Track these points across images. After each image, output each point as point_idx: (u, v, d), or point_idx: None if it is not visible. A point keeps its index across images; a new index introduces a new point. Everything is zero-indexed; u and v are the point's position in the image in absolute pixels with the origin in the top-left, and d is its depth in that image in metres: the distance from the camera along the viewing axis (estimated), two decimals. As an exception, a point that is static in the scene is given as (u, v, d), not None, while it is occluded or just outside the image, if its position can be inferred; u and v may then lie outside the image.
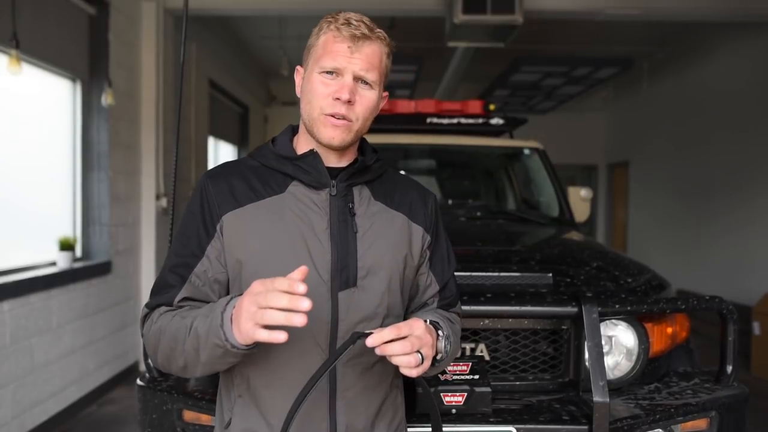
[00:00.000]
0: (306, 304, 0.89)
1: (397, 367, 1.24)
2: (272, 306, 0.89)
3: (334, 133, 1.13)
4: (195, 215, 1.17)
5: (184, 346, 1.05)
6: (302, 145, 1.21)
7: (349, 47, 1.11)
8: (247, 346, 0.97)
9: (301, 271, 0.93)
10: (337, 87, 1.11)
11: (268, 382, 1.14)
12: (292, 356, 1.12)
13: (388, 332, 0.99)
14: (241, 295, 0.99)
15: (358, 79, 1.13)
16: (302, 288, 0.89)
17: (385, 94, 1.24)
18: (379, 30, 1.15)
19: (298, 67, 1.22)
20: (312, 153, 1.17)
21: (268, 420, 1.14)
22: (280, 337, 0.90)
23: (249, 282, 1.09)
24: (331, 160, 1.19)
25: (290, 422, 0.99)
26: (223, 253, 1.15)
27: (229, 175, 1.19)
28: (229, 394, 1.20)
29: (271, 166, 1.19)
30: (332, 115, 1.12)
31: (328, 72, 1.12)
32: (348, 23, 1.12)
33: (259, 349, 1.10)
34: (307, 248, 1.13)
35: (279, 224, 1.14)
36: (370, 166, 1.22)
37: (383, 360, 1.16)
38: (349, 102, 1.11)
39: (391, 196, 1.24)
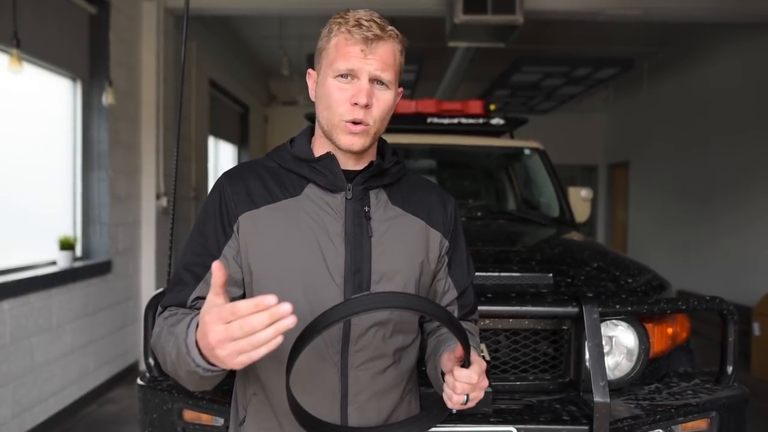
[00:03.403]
0: (287, 307, 0.81)
1: (411, 374, 1.25)
2: (258, 329, 0.81)
3: (353, 140, 1.13)
4: (213, 215, 1.17)
5: (169, 368, 1.03)
6: (319, 147, 1.20)
7: (362, 50, 1.09)
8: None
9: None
10: (354, 91, 1.10)
11: (281, 382, 1.12)
12: (303, 358, 1.11)
13: (470, 396, 1.01)
14: (197, 316, 0.94)
15: (373, 80, 1.11)
16: (272, 299, 0.82)
17: (400, 90, 1.22)
18: (390, 27, 1.13)
19: (310, 71, 1.21)
20: (329, 156, 1.16)
21: (280, 419, 1.15)
22: (277, 341, 0.83)
23: (262, 283, 1.12)
24: (349, 163, 1.18)
25: (290, 370, 0.95)
26: (240, 253, 1.15)
27: (246, 176, 1.19)
28: (245, 392, 1.21)
29: (288, 168, 1.19)
30: (351, 122, 1.11)
31: (343, 75, 1.11)
32: (359, 25, 1.09)
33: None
34: (320, 251, 1.12)
35: (293, 227, 1.13)
36: (388, 170, 1.20)
37: (396, 364, 1.19)
38: (367, 106, 1.10)
39: (409, 200, 1.22)
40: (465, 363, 1.01)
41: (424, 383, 1.37)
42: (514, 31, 4.97)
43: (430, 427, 1.09)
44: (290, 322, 0.82)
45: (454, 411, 1.08)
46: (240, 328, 0.82)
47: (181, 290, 1.15)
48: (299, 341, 0.92)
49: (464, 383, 1.00)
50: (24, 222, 3.61)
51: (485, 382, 1.02)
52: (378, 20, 1.12)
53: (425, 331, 1.31)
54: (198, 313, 0.96)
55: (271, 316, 0.81)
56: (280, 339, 0.83)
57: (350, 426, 1.14)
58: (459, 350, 1.01)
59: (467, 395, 1.01)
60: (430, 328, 1.30)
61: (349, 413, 1.14)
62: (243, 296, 1.19)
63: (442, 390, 1.07)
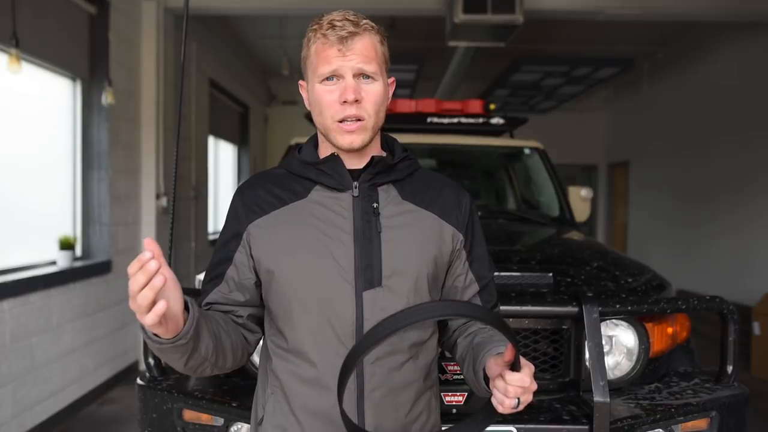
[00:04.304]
0: (152, 265, 0.86)
1: (429, 371, 1.25)
2: (138, 288, 0.87)
3: (351, 138, 1.14)
4: (227, 227, 1.23)
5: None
6: (324, 151, 1.22)
7: (339, 49, 1.11)
8: (171, 338, 0.96)
9: (145, 243, 0.90)
10: (341, 90, 1.12)
11: (298, 380, 1.16)
12: (318, 355, 1.14)
13: (522, 398, 1.00)
14: None
15: (358, 75, 1.12)
16: (147, 255, 0.87)
17: (392, 80, 1.23)
18: (365, 21, 1.14)
19: (301, 82, 1.23)
20: (333, 156, 1.18)
21: (298, 417, 1.16)
22: (159, 307, 0.88)
23: (282, 287, 1.15)
24: (353, 163, 1.19)
25: (342, 393, 0.94)
26: (251, 261, 1.19)
27: (256, 187, 1.24)
28: (264, 391, 1.23)
29: (296, 173, 1.22)
30: (345, 120, 1.13)
31: (327, 78, 1.13)
32: (332, 26, 1.11)
33: (287, 347, 1.16)
34: (329, 249, 1.14)
35: (302, 227, 1.16)
36: (396, 166, 1.21)
37: (413, 360, 1.19)
38: (357, 101, 1.12)
39: (421, 195, 1.23)
40: (515, 366, 1.01)
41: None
42: (513, 30, 4.97)
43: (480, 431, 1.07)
44: (158, 282, 0.86)
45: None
46: (132, 283, 0.87)
47: (201, 298, 1.21)
48: (348, 362, 0.92)
49: (517, 386, 0.99)
50: (24, 222, 3.61)
51: (535, 385, 1.01)
52: (351, 17, 1.13)
53: (450, 329, 1.30)
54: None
55: (144, 273, 0.86)
56: (162, 304, 0.88)
57: None
58: (509, 354, 0.99)
59: (518, 398, 1.00)
60: (456, 326, 1.29)
61: (365, 409, 1.14)
62: (260, 300, 1.23)
63: (484, 393, 1.08)
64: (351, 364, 0.92)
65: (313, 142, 1.27)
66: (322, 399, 1.14)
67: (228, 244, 1.21)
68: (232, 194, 1.28)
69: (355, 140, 1.14)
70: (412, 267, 1.16)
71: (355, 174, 1.18)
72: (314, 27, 1.15)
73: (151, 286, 0.87)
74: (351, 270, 1.14)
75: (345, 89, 1.11)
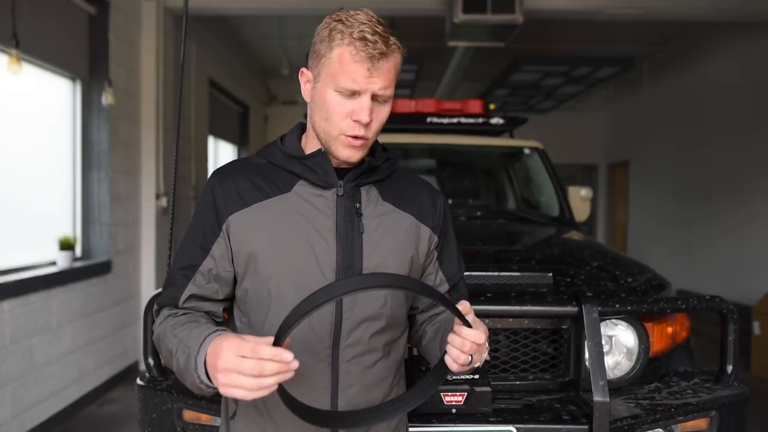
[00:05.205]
0: (295, 364, 0.90)
1: (399, 366, 1.26)
2: (264, 375, 0.89)
3: (351, 152, 1.13)
4: (203, 214, 1.19)
5: (173, 368, 1.08)
6: (311, 145, 1.20)
7: (368, 69, 1.06)
8: None
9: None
10: (356, 107, 1.09)
11: None
12: (294, 352, 1.12)
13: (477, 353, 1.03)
14: (214, 333, 1.00)
15: (375, 96, 1.10)
16: (288, 356, 0.90)
17: None
18: (393, 39, 1.10)
19: (304, 70, 1.18)
20: (320, 153, 1.16)
21: (272, 413, 1.16)
22: (272, 389, 0.91)
23: (262, 281, 1.14)
24: (341, 163, 1.18)
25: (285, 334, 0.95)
26: (229, 253, 1.16)
27: (236, 174, 1.19)
28: None
29: (279, 164, 1.19)
30: (352, 136, 1.11)
31: (345, 90, 1.09)
32: (364, 40, 1.05)
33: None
34: (311, 247, 1.13)
35: (284, 223, 1.14)
36: (379, 166, 1.21)
37: (385, 358, 1.20)
38: (369, 122, 1.11)
39: (399, 196, 1.23)
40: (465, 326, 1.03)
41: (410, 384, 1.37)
42: (513, 30, 4.97)
43: (428, 394, 1.10)
44: (289, 376, 0.91)
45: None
46: (251, 368, 0.89)
47: (174, 290, 1.18)
48: (283, 326, 0.93)
49: (472, 342, 1.01)
50: (24, 222, 3.61)
51: (486, 351, 1.05)
52: (381, 32, 1.07)
53: (418, 322, 1.33)
54: (209, 328, 1.03)
55: (280, 369, 0.90)
56: (273, 388, 0.91)
57: (340, 411, 1.15)
58: (463, 307, 1.04)
59: (471, 356, 1.02)
60: (423, 319, 1.32)
61: (339, 406, 1.16)
62: (233, 292, 1.21)
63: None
64: (289, 324, 0.93)
65: (297, 133, 1.24)
66: (298, 396, 1.12)
67: (203, 235, 1.17)
68: (209, 178, 1.22)
69: (355, 155, 1.14)
70: (392, 267, 1.17)
71: (339, 172, 1.17)
72: (340, 27, 1.07)
73: (277, 380, 0.90)
74: (332, 269, 1.14)
75: (361, 109, 1.08)
